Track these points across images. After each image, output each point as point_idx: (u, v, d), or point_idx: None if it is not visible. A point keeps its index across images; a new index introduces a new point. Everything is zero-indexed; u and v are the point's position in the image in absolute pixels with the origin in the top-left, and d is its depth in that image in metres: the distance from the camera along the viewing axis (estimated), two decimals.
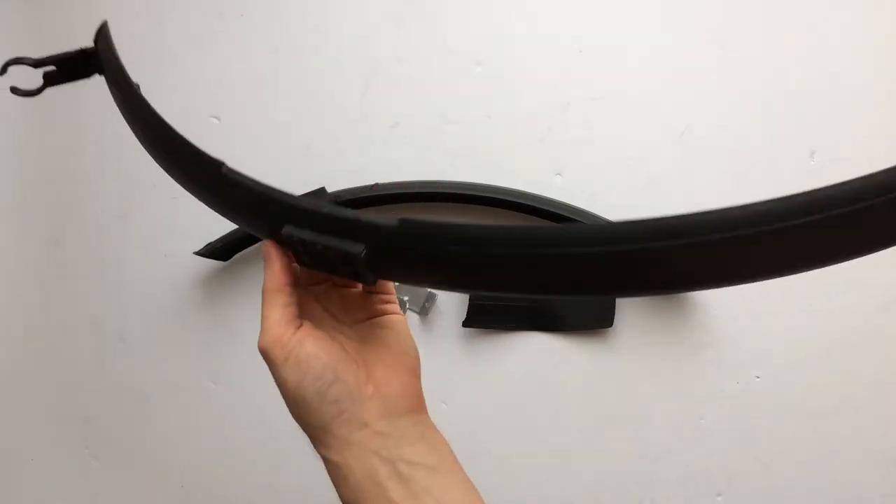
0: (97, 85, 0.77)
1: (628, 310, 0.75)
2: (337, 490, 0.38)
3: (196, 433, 0.79)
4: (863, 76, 0.75)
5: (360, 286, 0.43)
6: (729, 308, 0.75)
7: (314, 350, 0.37)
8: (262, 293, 0.38)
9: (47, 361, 0.80)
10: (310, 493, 0.78)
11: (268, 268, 0.38)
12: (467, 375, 0.76)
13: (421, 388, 0.41)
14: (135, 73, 0.76)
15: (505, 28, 0.74)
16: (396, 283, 0.75)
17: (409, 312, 0.76)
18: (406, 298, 0.76)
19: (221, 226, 0.77)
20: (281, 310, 0.38)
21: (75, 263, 0.79)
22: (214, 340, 0.78)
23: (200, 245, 0.77)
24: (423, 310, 0.76)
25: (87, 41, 0.77)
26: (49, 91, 0.78)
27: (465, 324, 0.75)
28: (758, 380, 0.76)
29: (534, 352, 0.76)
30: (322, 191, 0.71)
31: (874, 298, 0.75)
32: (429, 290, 0.76)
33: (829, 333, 0.75)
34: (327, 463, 0.38)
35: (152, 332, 0.78)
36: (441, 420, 0.81)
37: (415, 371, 0.41)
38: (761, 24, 0.75)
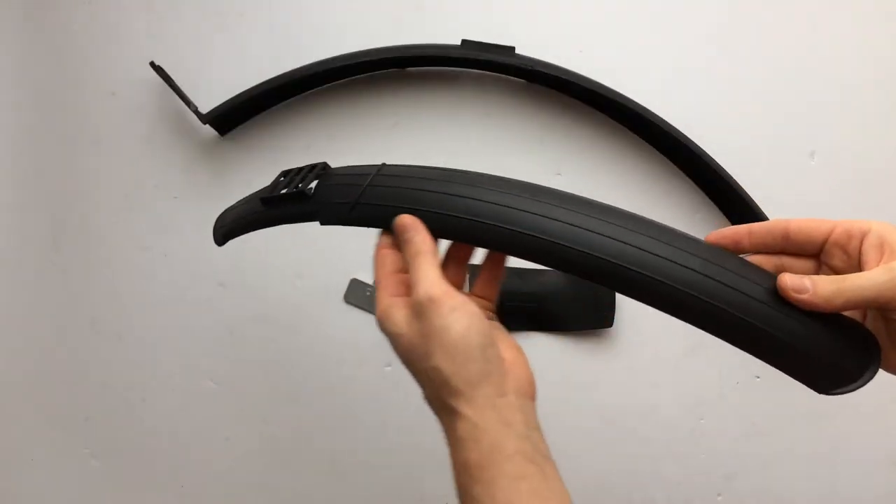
0: (97, 85, 0.78)
1: (628, 310, 0.75)
2: (460, 452, 0.37)
3: (196, 433, 0.79)
4: (863, 76, 0.76)
5: (466, 287, 0.46)
6: None
7: (475, 309, 0.39)
8: (415, 256, 0.40)
9: (47, 361, 0.80)
10: (310, 493, 0.78)
11: (417, 232, 0.41)
12: None
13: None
14: (135, 72, 0.76)
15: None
16: None
17: None
18: None
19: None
20: (438, 270, 0.40)
21: (75, 263, 0.79)
22: (214, 340, 0.78)
23: (198, 245, 0.77)
24: None
25: (85, 40, 0.77)
26: (48, 90, 0.78)
27: None
28: (758, 380, 0.76)
29: (534, 352, 0.76)
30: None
31: None
32: None
33: None
34: (462, 420, 0.37)
35: (152, 332, 0.78)
36: None
37: (529, 366, 0.43)
38: (761, 24, 0.75)
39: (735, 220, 0.75)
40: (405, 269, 0.42)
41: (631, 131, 0.75)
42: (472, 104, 0.76)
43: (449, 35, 0.74)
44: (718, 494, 0.77)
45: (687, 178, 0.76)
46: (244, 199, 0.54)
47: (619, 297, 0.75)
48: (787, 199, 0.75)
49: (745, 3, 0.75)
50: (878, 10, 0.75)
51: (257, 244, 0.77)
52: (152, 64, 0.73)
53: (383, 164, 0.47)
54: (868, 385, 0.72)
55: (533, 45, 0.73)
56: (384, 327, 0.41)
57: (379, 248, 0.44)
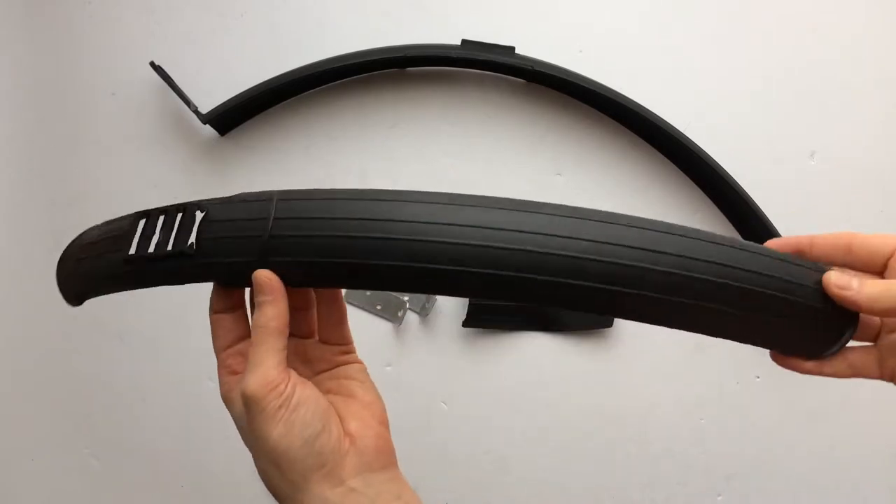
0: (97, 85, 0.78)
1: None
2: None
3: (196, 433, 0.79)
4: (863, 76, 0.76)
5: (316, 336, 0.41)
6: None
7: (306, 395, 0.34)
8: (258, 332, 0.34)
9: (47, 361, 0.80)
10: None
11: (272, 304, 0.35)
12: (467, 375, 0.76)
13: (392, 441, 0.39)
14: (135, 72, 0.76)
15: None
16: None
17: (408, 312, 0.76)
18: (406, 298, 0.76)
19: None
20: (280, 354, 0.34)
21: None
22: None
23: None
24: (423, 310, 0.76)
25: (85, 40, 0.77)
26: (48, 90, 0.78)
27: (465, 324, 0.75)
28: (758, 380, 0.76)
29: (534, 352, 0.76)
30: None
31: None
32: None
33: None
34: None
35: (152, 331, 0.78)
36: (441, 420, 0.82)
37: (385, 422, 0.39)
38: (761, 24, 0.75)
39: (735, 220, 0.75)
40: (244, 336, 0.38)
41: (631, 131, 0.75)
42: (472, 104, 0.76)
43: (449, 35, 0.74)
44: (718, 495, 0.77)
45: (687, 178, 0.76)
46: (96, 236, 0.43)
47: None
48: (787, 199, 0.75)
49: (745, 4, 0.75)
50: (878, 9, 0.75)
51: None
52: (152, 64, 0.73)
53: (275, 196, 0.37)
54: (868, 384, 0.72)
55: (533, 45, 0.73)
56: (228, 409, 0.37)
57: (211, 312, 0.39)
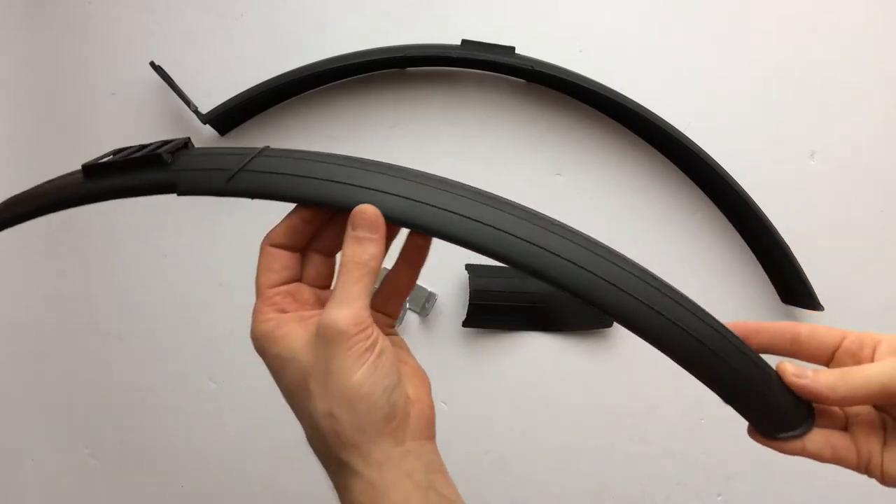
0: (97, 85, 0.78)
1: None
2: None
3: (196, 433, 0.79)
4: (863, 76, 0.76)
5: None
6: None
7: (386, 345, 0.33)
8: (359, 268, 0.33)
9: (47, 361, 0.80)
10: (310, 493, 0.78)
11: (377, 242, 0.33)
12: (467, 375, 0.76)
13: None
14: (135, 72, 0.76)
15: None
16: None
17: (408, 312, 0.76)
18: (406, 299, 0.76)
19: (218, 221, 0.77)
20: (370, 298, 0.33)
21: (75, 263, 0.79)
22: (214, 340, 0.78)
23: (198, 245, 0.77)
24: (423, 310, 0.76)
25: (85, 40, 0.77)
26: (48, 90, 0.78)
27: (465, 324, 0.75)
28: None
29: (534, 352, 0.76)
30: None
31: (875, 301, 0.76)
32: (429, 290, 0.76)
33: None
34: (358, 479, 0.32)
35: (152, 332, 0.78)
36: (441, 420, 0.81)
37: (431, 393, 0.37)
38: (761, 24, 0.75)
39: (735, 220, 0.75)
40: (297, 278, 0.36)
41: (631, 131, 0.75)
42: (472, 104, 0.76)
43: (449, 35, 0.74)
44: (718, 495, 0.77)
45: (687, 178, 0.76)
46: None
47: None
48: (787, 199, 0.75)
49: (745, 4, 0.75)
50: (878, 9, 0.75)
51: (257, 244, 0.77)
52: (152, 64, 0.73)
53: (266, 147, 0.38)
54: None
55: (533, 45, 0.73)
56: (267, 347, 0.35)
57: (267, 243, 0.37)
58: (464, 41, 0.72)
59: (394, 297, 0.40)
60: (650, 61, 0.75)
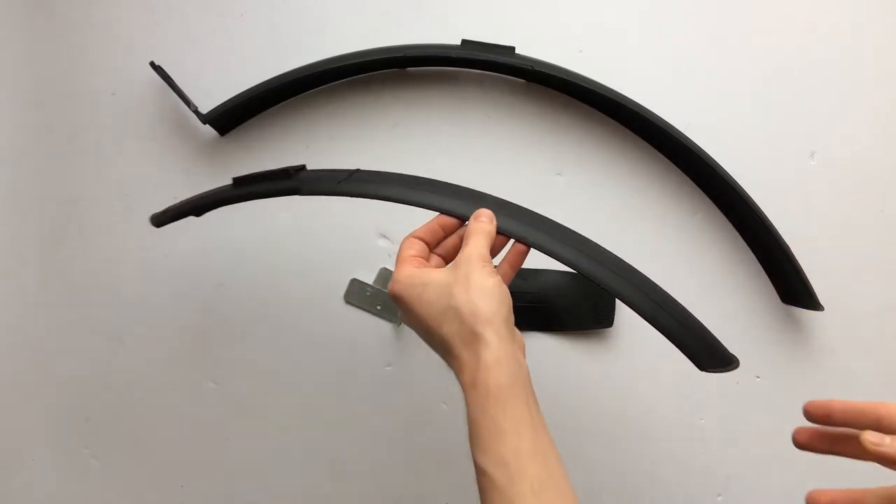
0: (97, 85, 0.78)
1: (628, 310, 0.75)
2: (484, 375, 0.43)
3: (196, 433, 0.79)
4: (863, 76, 0.76)
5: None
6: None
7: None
8: (478, 233, 0.49)
9: (47, 361, 0.80)
10: (310, 493, 0.78)
11: (489, 221, 0.50)
12: None
13: None
14: (135, 72, 0.76)
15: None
16: None
17: None
18: None
19: (218, 222, 0.77)
20: (488, 249, 0.49)
21: (75, 263, 0.79)
22: (214, 340, 0.78)
23: (198, 245, 0.78)
24: None
25: (85, 40, 0.77)
26: (48, 90, 0.78)
27: None
28: (758, 380, 0.76)
29: (534, 352, 0.76)
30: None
31: (875, 301, 0.76)
32: None
33: (829, 334, 0.76)
34: (488, 348, 0.43)
35: (152, 332, 0.78)
36: (441, 420, 0.82)
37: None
38: (761, 24, 0.76)
39: (735, 219, 0.75)
40: (427, 257, 0.51)
41: (631, 131, 0.75)
42: (472, 104, 0.76)
43: (449, 35, 0.74)
44: (718, 495, 0.77)
45: (687, 178, 0.76)
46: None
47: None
48: (787, 199, 0.75)
49: (745, 3, 0.75)
50: (878, 9, 0.75)
51: (257, 244, 0.78)
52: (152, 64, 0.73)
53: (358, 169, 0.56)
54: (868, 384, 0.72)
55: (533, 45, 0.73)
56: (409, 284, 0.47)
57: (411, 235, 0.51)
58: (464, 41, 0.72)
59: (509, 272, 0.53)
60: (650, 61, 0.75)
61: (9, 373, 0.80)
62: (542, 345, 0.76)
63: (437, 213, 0.52)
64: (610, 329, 0.76)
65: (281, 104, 0.77)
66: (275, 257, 0.77)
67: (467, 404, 0.43)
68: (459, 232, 0.52)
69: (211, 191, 0.61)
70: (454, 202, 0.52)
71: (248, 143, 0.77)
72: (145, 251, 0.78)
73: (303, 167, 0.57)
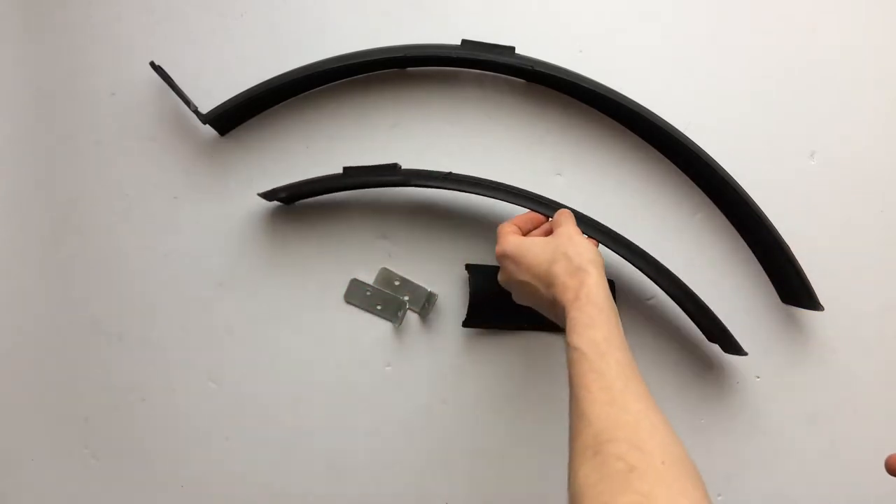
0: (97, 85, 0.78)
1: (628, 310, 0.75)
2: (593, 298, 0.53)
3: (196, 433, 0.79)
4: (863, 76, 0.76)
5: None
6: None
7: None
8: (565, 222, 0.62)
9: (47, 361, 0.80)
10: (310, 493, 0.78)
11: (570, 216, 0.64)
12: (467, 375, 0.76)
13: None
14: (135, 72, 0.76)
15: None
16: (397, 283, 0.76)
17: (408, 312, 0.76)
18: (406, 298, 0.76)
19: (218, 222, 0.77)
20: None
21: (75, 263, 0.79)
22: (214, 340, 0.78)
23: (198, 245, 0.78)
24: (424, 310, 0.76)
25: (85, 40, 0.77)
26: (48, 90, 0.79)
27: (465, 324, 0.75)
28: (758, 380, 0.76)
29: (534, 352, 0.76)
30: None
31: (875, 301, 0.76)
32: (429, 290, 0.76)
33: (829, 334, 0.75)
34: (590, 277, 0.54)
35: (152, 332, 0.78)
36: (441, 420, 0.82)
37: None
38: (761, 24, 0.76)
39: (735, 219, 0.75)
40: (521, 232, 0.64)
41: (631, 131, 0.75)
42: (472, 104, 0.76)
43: (449, 35, 0.74)
44: (718, 495, 0.77)
45: (687, 178, 0.76)
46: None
47: (619, 295, 0.75)
48: (787, 199, 0.75)
49: (745, 3, 0.75)
50: (878, 9, 0.75)
51: (257, 244, 0.78)
52: (152, 64, 0.73)
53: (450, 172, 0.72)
54: (868, 385, 0.72)
55: (533, 45, 0.73)
56: (520, 241, 0.61)
57: (507, 223, 0.65)
58: (464, 41, 0.72)
59: None
60: (650, 61, 0.75)
61: (9, 373, 0.80)
62: (542, 345, 0.76)
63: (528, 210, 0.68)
64: None
65: (281, 104, 0.77)
66: (274, 257, 0.77)
67: (568, 312, 0.53)
68: (543, 227, 0.66)
69: (322, 178, 0.72)
70: (537, 204, 0.69)
71: (248, 143, 0.77)
72: (145, 251, 0.78)
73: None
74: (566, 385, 0.77)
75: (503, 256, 0.61)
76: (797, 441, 0.76)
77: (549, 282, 0.56)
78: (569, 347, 0.51)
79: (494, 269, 0.71)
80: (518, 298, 0.64)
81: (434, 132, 0.76)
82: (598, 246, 0.64)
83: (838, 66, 0.75)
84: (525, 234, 0.65)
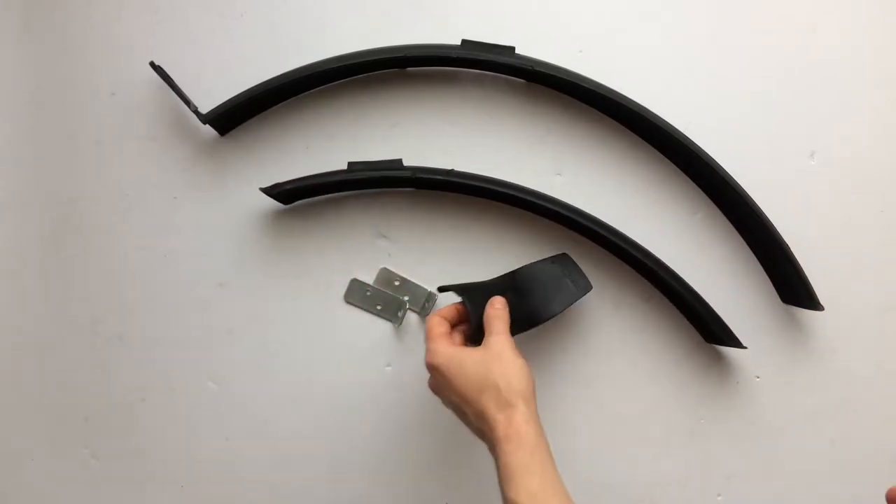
0: (97, 85, 0.78)
1: (628, 310, 0.75)
2: (524, 435, 0.53)
3: (196, 433, 0.79)
4: (863, 76, 0.76)
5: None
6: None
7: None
8: (497, 319, 0.62)
9: (47, 361, 0.80)
10: (310, 493, 0.78)
11: (504, 308, 0.64)
12: None
13: None
14: (135, 72, 0.76)
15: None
16: (397, 283, 0.76)
17: (408, 312, 0.76)
18: (406, 298, 0.76)
19: (218, 222, 0.77)
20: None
21: (75, 263, 0.79)
22: (214, 340, 0.78)
23: (198, 245, 0.78)
24: (423, 310, 0.76)
25: (85, 40, 0.77)
26: (48, 90, 0.79)
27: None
28: (758, 380, 0.76)
29: (533, 352, 0.76)
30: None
31: (875, 301, 0.75)
32: (429, 290, 0.76)
33: (829, 334, 0.75)
34: (519, 414, 0.54)
35: (152, 332, 0.78)
36: (441, 420, 0.82)
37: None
38: (761, 24, 0.76)
39: (735, 219, 0.75)
40: (451, 334, 0.63)
41: (631, 131, 0.75)
42: (472, 104, 0.76)
43: (449, 35, 0.74)
44: (718, 494, 0.77)
45: (687, 178, 0.76)
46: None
47: (618, 296, 0.75)
48: (787, 199, 0.75)
49: (745, 3, 0.75)
50: (878, 9, 0.75)
51: (257, 244, 0.78)
52: (152, 64, 0.73)
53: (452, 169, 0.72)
54: (868, 385, 0.72)
55: (533, 45, 0.73)
56: (447, 359, 0.59)
57: (435, 313, 0.64)
58: (464, 41, 0.72)
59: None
60: (650, 61, 0.75)
61: (9, 373, 0.80)
62: (542, 344, 0.76)
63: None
64: (609, 329, 0.76)
65: (281, 104, 0.77)
66: (274, 257, 0.77)
67: (499, 455, 0.53)
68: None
69: (325, 174, 0.73)
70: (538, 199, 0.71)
71: (248, 143, 0.77)
72: (145, 251, 0.78)
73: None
74: (566, 385, 0.77)
75: (434, 369, 0.60)
76: (797, 441, 0.76)
77: (478, 412, 0.56)
78: (505, 500, 0.52)
79: (480, 284, 0.70)
80: (446, 405, 0.63)
81: (434, 132, 0.76)
82: (526, 364, 0.60)
83: (838, 66, 0.75)
84: (454, 326, 0.65)
